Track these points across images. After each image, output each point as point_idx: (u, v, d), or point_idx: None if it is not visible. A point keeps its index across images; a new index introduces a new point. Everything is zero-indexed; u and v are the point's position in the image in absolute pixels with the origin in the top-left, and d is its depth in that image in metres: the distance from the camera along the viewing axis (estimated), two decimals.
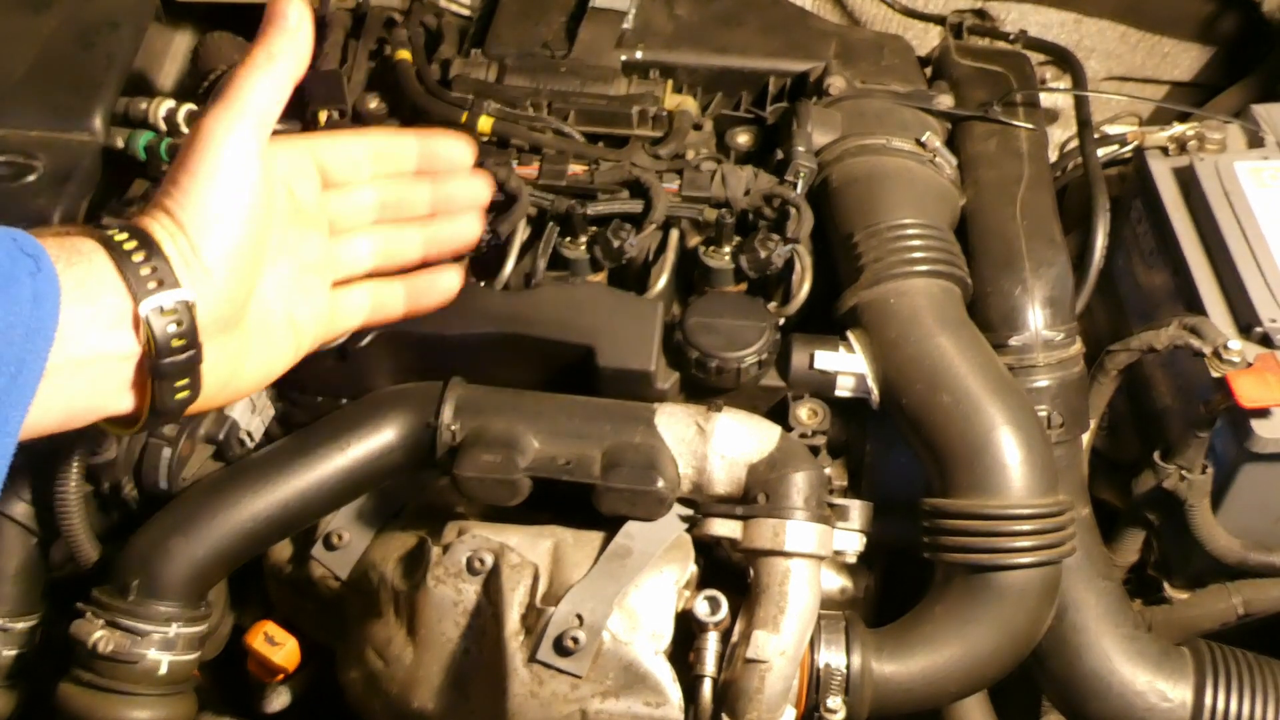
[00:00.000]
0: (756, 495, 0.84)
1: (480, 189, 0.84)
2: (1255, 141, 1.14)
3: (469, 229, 0.84)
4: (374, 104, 1.09)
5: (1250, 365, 0.92)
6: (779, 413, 0.94)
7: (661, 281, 0.95)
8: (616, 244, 0.95)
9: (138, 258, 0.63)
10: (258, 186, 0.68)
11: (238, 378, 0.71)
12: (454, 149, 0.83)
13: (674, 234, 0.98)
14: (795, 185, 1.00)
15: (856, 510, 0.87)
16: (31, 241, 0.59)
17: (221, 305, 0.67)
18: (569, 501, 0.86)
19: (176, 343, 0.63)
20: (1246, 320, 0.97)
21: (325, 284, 0.78)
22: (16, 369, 0.56)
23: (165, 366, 0.63)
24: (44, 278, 0.58)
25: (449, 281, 0.84)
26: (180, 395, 0.66)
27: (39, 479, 0.91)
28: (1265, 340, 0.96)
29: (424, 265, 0.83)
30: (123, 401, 0.65)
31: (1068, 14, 1.47)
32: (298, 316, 0.75)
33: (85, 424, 0.64)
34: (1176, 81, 1.54)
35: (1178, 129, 1.13)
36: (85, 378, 0.61)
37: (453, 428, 0.87)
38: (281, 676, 0.93)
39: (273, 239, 0.72)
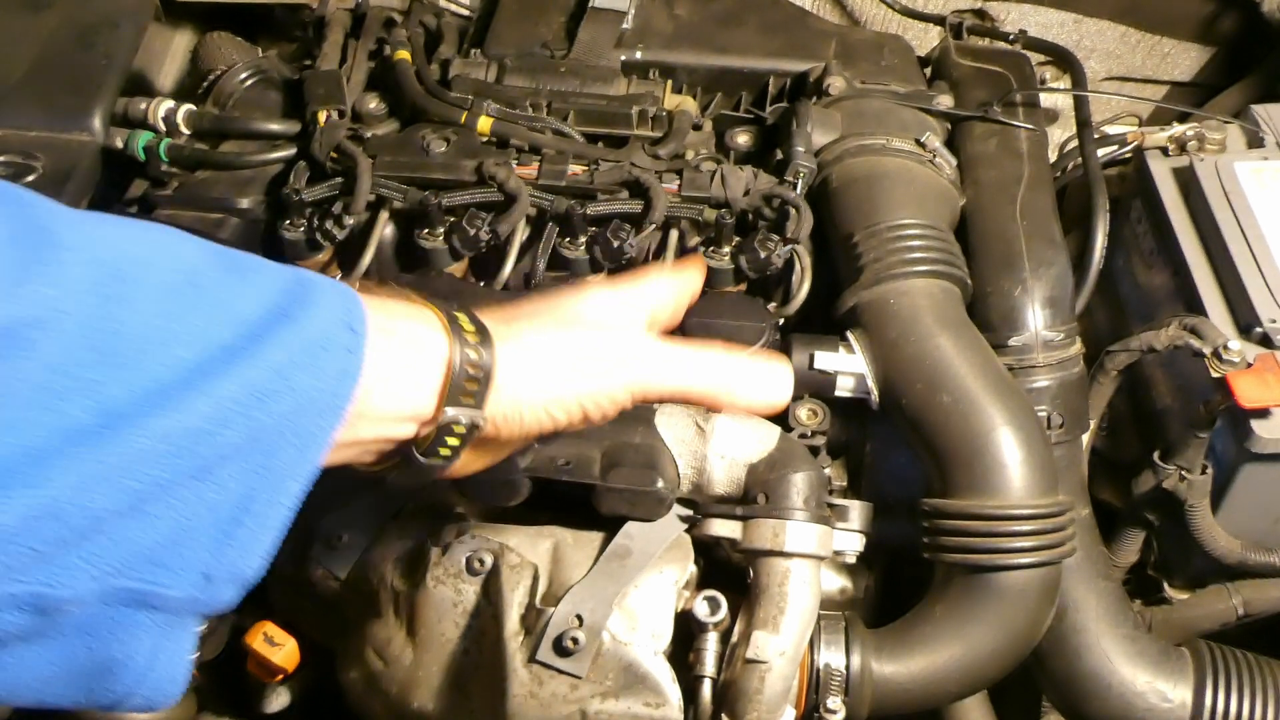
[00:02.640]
0: (756, 495, 0.84)
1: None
2: (1255, 141, 1.14)
3: None
4: (374, 104, 1.09)
5: (1250, 365, 0.92)
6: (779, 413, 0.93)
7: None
8: (616, 244, 0.95)
9: (470, 369, 0.61)
10: (606, 374, 0.66)
11: (459, 472, 0.69)
12: None
13: (674, 234, 0.98)
14: (795, 185, 1.00)
15: (856, 510, 0.87)
16: (360, 314, 0.57)
17: (496, 435, 0.65)
18: (569, 501, 0.86)
19: (444, 450, 0.62)
20: (1246, 320, 0.97)
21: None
22: (306, 441, 0.54)
23: (420, 465, 0.63)
24: (356, 358, 0.56)
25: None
26: (404, 482, 0.65)
27: None
28: (1265, 340, 0.96)
29: None
30: (364, 460, 0.63)
31: (1068, 14, 1.47)
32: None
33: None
34: (1176, 81, 1.54)
35: (1178, 129, 1.13)
36: (357, 449, 0.61)
37: None
38: (281, 676, 0.93)
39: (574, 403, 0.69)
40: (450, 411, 0.61)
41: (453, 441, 0.62)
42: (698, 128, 1.09)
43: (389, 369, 0.59)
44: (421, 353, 0.61)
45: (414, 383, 0.60)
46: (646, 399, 0.68)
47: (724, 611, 0.81)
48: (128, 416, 0.48)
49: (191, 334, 0.51)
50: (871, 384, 0.91)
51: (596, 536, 0.85)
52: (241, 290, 0.54)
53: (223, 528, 0.53)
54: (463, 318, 0.63)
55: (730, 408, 0.70)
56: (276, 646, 0.91)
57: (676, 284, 0.76)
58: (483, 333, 0.63)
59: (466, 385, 0.61)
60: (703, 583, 0.85)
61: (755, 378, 0.69)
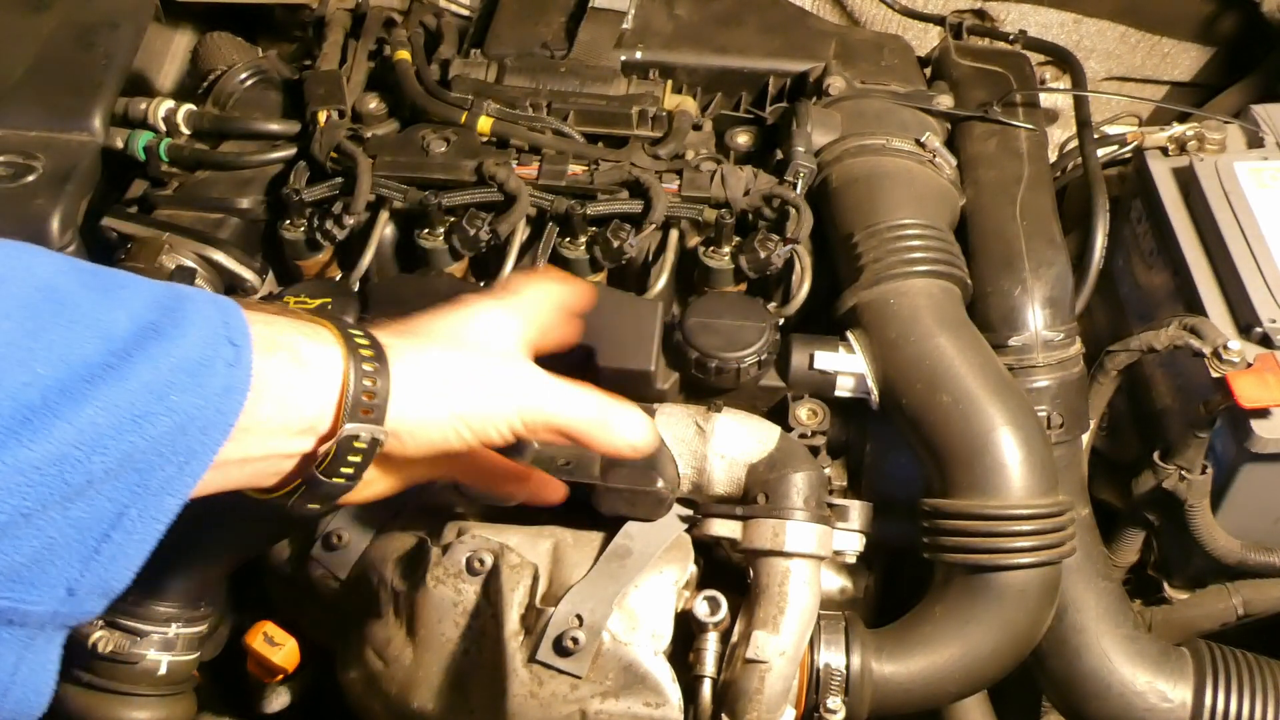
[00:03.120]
0: (756, 495, 0.84)
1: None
2: (1255, 141, 1.14)
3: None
4: (374, 104, 1.09)
5: (1250, 365, 0.92)
6: (779, 413, 0.94)
7: (661, 282, 0.95)
8: (616, 244, 0.95)
9: (367, 383, 0.60)
10: (510, 404, 0.67)
11: (361, 493, 0.68)
12: None
13: (674, 234, 0.98)
14: (795, 185, 1.00)
15: (856, 510, 0.87)
16: (241, 327, 0.56)
17: (400, 447, 0.64)
18: (569, 501, 0.85)
19: (346, 469, 0.62)
20: (1246, 320, 0.97)
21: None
22: (185, 460, 0.53)
23: (321, 484, 0.62)
24: (239, 371, 0.55)
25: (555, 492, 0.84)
26: (312, 507, 0.64)
27: None
28: (1265, 340, 0.96)
29: None
30: (263, 484, 0.62)
31: (1067, 14, 1.47)
32: (432, 467, 0.73)
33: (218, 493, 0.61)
34: (1176, 81, 1.54)
35: (1177, 129, 1.13)
36: (248, 469, 0.59)
37: None
38: (281, 676, 0.93)
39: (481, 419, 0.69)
40: (350, 426, 0.60)
41: (354, 459, 0.61)
42: (698, 128, 1.09)
43: (278, 383, 0.57)
44: (313, 368, 0.59)
45: (306, 397, 0.59)
46: (533, 430, 0.68)
47: (724, 611, 0.81)
48: None
49: (52, 351, 0.49)
50: (871, 384, 0.91)
51: (596, 536, 0.85)
52: (108, 306, 0.52)
53: (91, 545, 0.51)
54: (357, 333, 0.62)
55: (598, 446, 0.71)
56: (276, 646, 0.91)
57: (556, 298, 0.76)
58: (378, 348, 0.62)
59: (365, 399, 0.60)
60: (703, 583, 0.85)
61: (625, 420, 0.71)
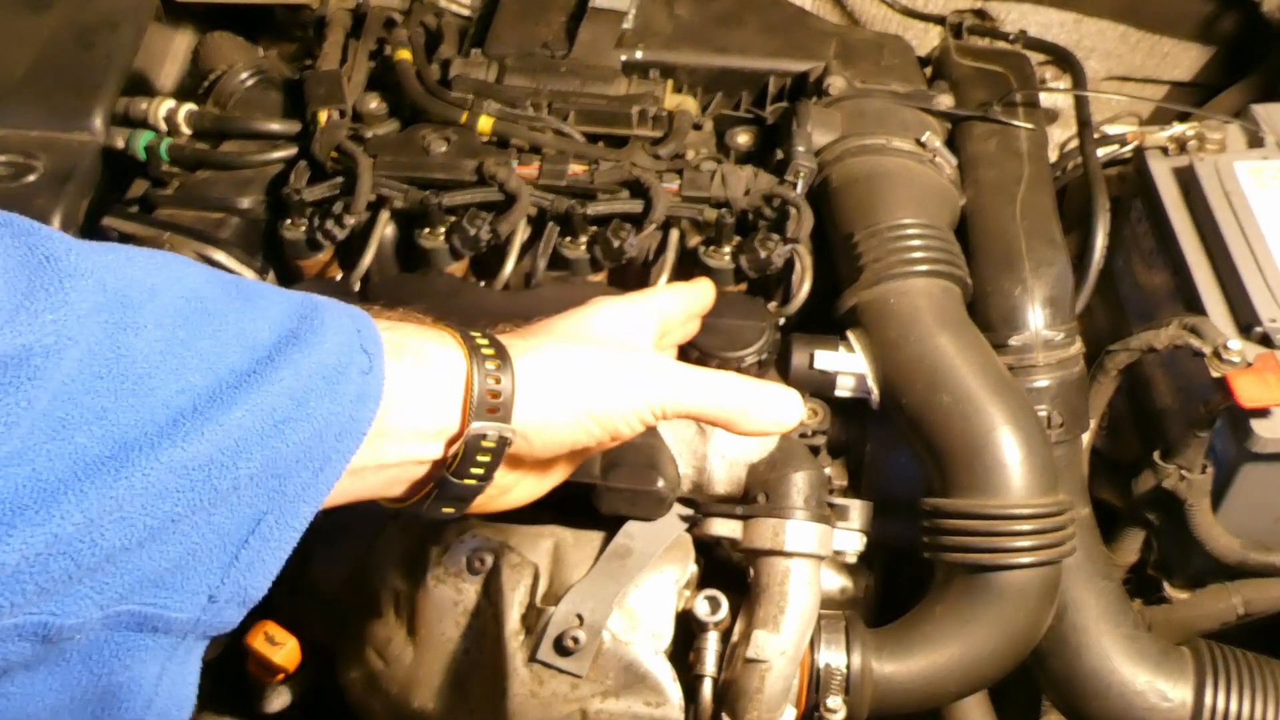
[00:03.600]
0: (756, 495, 0.84)
1: None
2: (1255, 141, 1.14)
3: None
4: (374, 104, 1.09)
5: (1250, 365, 0.92)
6: None
7: (661, 281, 0.95)
8: (616, 244, 0.95)
9: (490, 380, 0.61)
10: (631, 404, 0.67)
11: (496, 501, 0.70)
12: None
13: (674, 234, 0.98)
14: (795, 185, 1.00)
15: (856, 510, 0.87)
16: (373, 335, 0.57)
17: (529, 453, 0.65)
18: (569, 501, 0.86)
19: (476, 470, 0.62)
20: (1246, 320, 0.97)
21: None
22: (320, 466, 0.54)
23: (453, 487, 0.62)
24: (373, 379, 0.56)
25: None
26: (447, 510, 0.65)
27: None
28: (1265, 340, 0.96)
29: None
30: (395, 492, 0.63)
31: (1068, 14, 1.47)
32: (568, 468, 0.74)
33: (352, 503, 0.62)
34: (1176, 81, 1.54)
35: (1178, 129, 1.13)
36: (382, 476, 0.60)
37: None
38: (281, 676, 0.93)
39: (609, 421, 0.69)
40: (476, 425, 0.60)
41: (483, 459, 0.62)
42: (698, 128, 1.09)
43: (407, 388, 0.58)
44: (439, 370, 0.60)
45: (434, 400, 0.60)
46: (666, 416, 0.68)
47: (724, 611, 0.81)
48: (139, 446, 0.47)
49: (203, 360, 0.50)
50: (871, 384, 0.91)
51: (597, 536, 0.85)
52: (251, 315, 0.53)
53: (231, 551, 0.52)
54: (478, 335, 0.63)
55: (741, 429, 0.70)
56: (277, 646, 0.91)
57: (686, 297, 0.77)
58: (499, 348, 0.63)
59: (489, 399, 0.61)
60: (703, 582, 0.85)
61: (767, 401, 0.70)
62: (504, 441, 0.62)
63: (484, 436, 0.61)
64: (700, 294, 0.81)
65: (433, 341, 0.61)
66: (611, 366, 0.66)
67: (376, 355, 0.57)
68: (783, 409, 0.71)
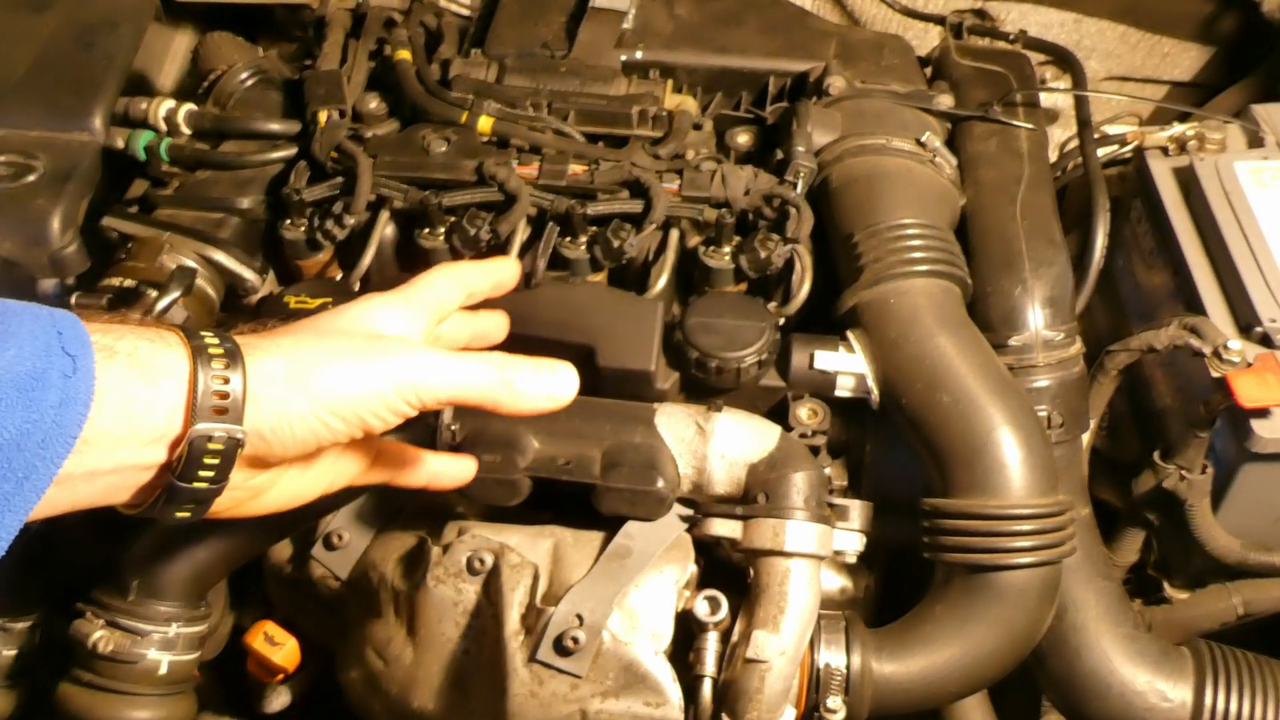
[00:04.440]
0: (756, 495, 0.84)
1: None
2: (1255, 141, 1.14)
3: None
4: (374, 104, 1.09)
5: (1250, 365, 0.92)
6: (779, 413, 0.94)
7: (661, 281, 0.95)
8: (616, 244, 0.95)
9: (216, 382, 0.59)
10: (387, 384, 0.65)
11: (249, 506, 0.67)
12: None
13: (674, 234, 0.98)
14: (795, 185, 1.00)
15: (856, 510, 0.87)
16: (79, 337, 0.54)
17: (270, 452, 0.63)
18: (569, 501, 0.86)
19: (204, 473, 0.60)
20: (1246, 320, 0.97)
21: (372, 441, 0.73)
22: (25, 475, 0.52)
23: (180, 490, 0.60)
24: (78, 381, 0.53)
25: (460, 471, 0.80)
26: (182, 514, 0.63)
27: None
28: (1265, 340, 0.96)
29: None
30: (123, 499, 0.61)
31: (1068, 14, 1.47)
32: (337, 466, 0.72)
33: (75, 511, 0.60)
34: (1176, 81, 1.54)
35: (1178, 129, 1.13)
36: (99, 484, 0.58)
37: (453, 428, 0.87)
38: (281, 676, 0.93)
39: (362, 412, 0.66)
40: (201, 426, 0.58)
41: (212, 461, 0.59)
42: (698, 128, 1.09)
43: (121, 391, 0.56)
44: (156, 371, 0.58)
45: (152, 403, 0.57)
46: (424, 403, 0.66)
47: (724, 611, 0.81)
48: None
49: None
50: (871, 384, 0.91)
51: (597, 536, 0.85)
52: None
53: None
54: (208, 334, 0.61)
55: (510, 409, 0.68)
56: (277, 646, 0.91)
57: (460, 276, 0.74)
58: (231, 346, 0.61)
59: (216, 399, 0.59)
60: (703, 582, 0.85)
61: (533, 376, 0.68)
62: (234, 443, 0.59)
63: (210, 438, 0.58)
64: (483, 272, 0.76)
65: (150, 342, 0.58)
66: (351, 356, 0.64)
67: (83, 358, 0.54)
68: (553, 382, 0.69)
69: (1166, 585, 1.05)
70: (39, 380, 0.52)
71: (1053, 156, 1.16)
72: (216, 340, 0.60)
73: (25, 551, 0.92)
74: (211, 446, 0.59)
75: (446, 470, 0.79)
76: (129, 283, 0.93)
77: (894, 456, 0.95)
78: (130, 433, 0.57)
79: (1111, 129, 1.20)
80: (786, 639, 0.80)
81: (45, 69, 1.08)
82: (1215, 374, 0.92)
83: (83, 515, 0.88)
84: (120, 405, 0.56)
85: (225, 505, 0.64)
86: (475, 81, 1.09)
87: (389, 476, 0.76)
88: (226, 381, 0.59)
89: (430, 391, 0.65)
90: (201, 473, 0.60)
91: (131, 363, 0.57)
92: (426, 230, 0.98)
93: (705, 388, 0.93)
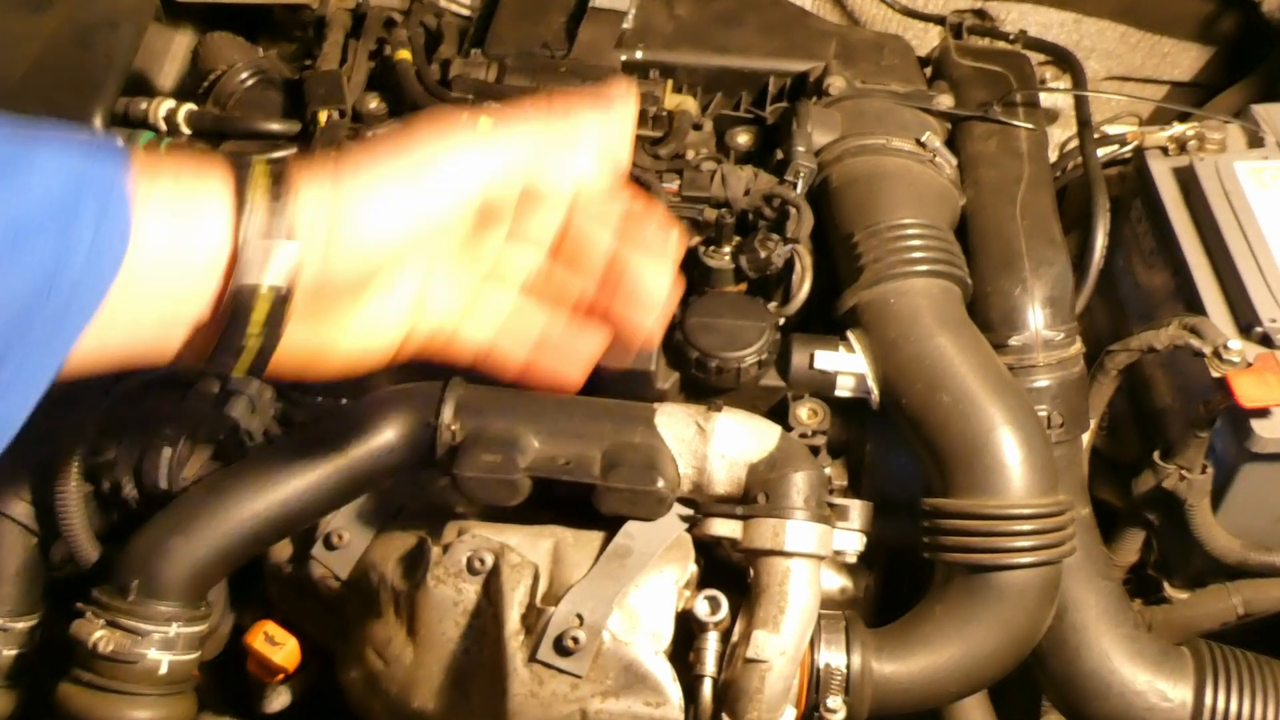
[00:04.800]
0: (756, 495, 0.84)
1: (594, 343, 0.67)
2: (1255, 141, 1.14)
3: (568, 371, 0.67)
4: (374, 104, 1.09)
5: (1250, 365, 0.92)
6: (779, 413, 0.94)
7: None
8: None
9: (259, 217, 0.53)
10: (457, 215, 0.59)
11: (309, 368, 0.60)
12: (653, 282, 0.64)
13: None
14: (795, 185, 1.00)
15: (856, 510, 0.87)
16: (116, 164, 0.51)
17: (326, 298, 0.56)
18: (569, 501, 0.86)
19: (257, 316, 0.54)
20: (1246, 320, 0.97)
21: (458, 310, 0.64)
22: (61, 313, 0.48)
23: (234, 342, 0.55)
24: (115, 212, 0.50)
25: (570, 375, 0.67)
26: (241, 367, 0.56)
27: (39, 479, 0.91)
28: (1265, 340, 0.96)
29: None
30: (172, 350, 0.55)
31: (1068, 14, 1.47)
32: (415, 323, 0.63)
33: (126, 369, 0.55)
34: (1176, 81, 1.54)
35: (1178, 129, 1.13)
36: (143, 330, 0.53)
37: (453, 427, 0.87)
38: (281, 676, 0.93)
39: (423, 260, 0.60)
40: (250, 254, 0.53)
41: (267, 293, 0.54)
42: (698, 128, 1.09)
43: (163, 223, 0.52)
44: (198, 200, 0.53)
45: (197, 233, 0.53)
46: (488, 192, 0.59)
47: (724, 611, 0.81)
48: None
49: None
50: (871, 384, 0.91)
51: (597, 536, 0.85)
52: None
53: None
54: (258, 159, 0.56)
55: (575, 165, 0.60)
56: (277, 646, 0.91)
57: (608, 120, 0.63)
58: (280, 170, 0.55)
59: (264, 229, 0.53)
60: (703, 582, 0.85)
61: (596, 123, 0.61)
62: (283, 291, 0.54)
63: (261, 273, 0.53)
64: (620, 111, 0.63)
65: (193, 171, 0.54)
66: (416, 152, 0.58)
67: (112, 191, 0.50)
68: (614, 127, 0.61)
69: (1166, 585, 1.05)
70: (69, 212, 0.48)
71: (1053, 156, 1.16)
72: (265, 163, 0.55)
73: (26, 552, 0.93)
74: (261, 290, 0.53)
75: (546, 366, 0.66)
76: None
77: (894, 456, 0.95)
78: (177, 258, 0.52)
79: (1111, 129, 1.20)
80: (786, 639, 0.80)
81: (45, 69, 1.08)
82: (1215, 374, 0.92)
83: (83, 515, 0.89)
84: (164, 236, 0.51)
85: (292, 359, 0.58)
86: (475, 81, 1.09)
87: (477, 358, 0.65)
88: (273, 215, 0.53)
89: (488, 172, 0.58)
90: (255, 316, 0.54)
91: (174, 192, 0.52)
92: None
93: (705, 388, 0.93)
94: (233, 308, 0.54)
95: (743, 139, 1.09)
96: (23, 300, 0.47)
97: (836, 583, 0.95)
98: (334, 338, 0.59)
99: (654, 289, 0.63)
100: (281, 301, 0.54)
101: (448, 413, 0.87)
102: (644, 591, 0.82)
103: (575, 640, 0.79)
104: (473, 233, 0.62)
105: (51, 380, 0.50)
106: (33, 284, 0.47)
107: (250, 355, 0.56)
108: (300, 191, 0.55)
